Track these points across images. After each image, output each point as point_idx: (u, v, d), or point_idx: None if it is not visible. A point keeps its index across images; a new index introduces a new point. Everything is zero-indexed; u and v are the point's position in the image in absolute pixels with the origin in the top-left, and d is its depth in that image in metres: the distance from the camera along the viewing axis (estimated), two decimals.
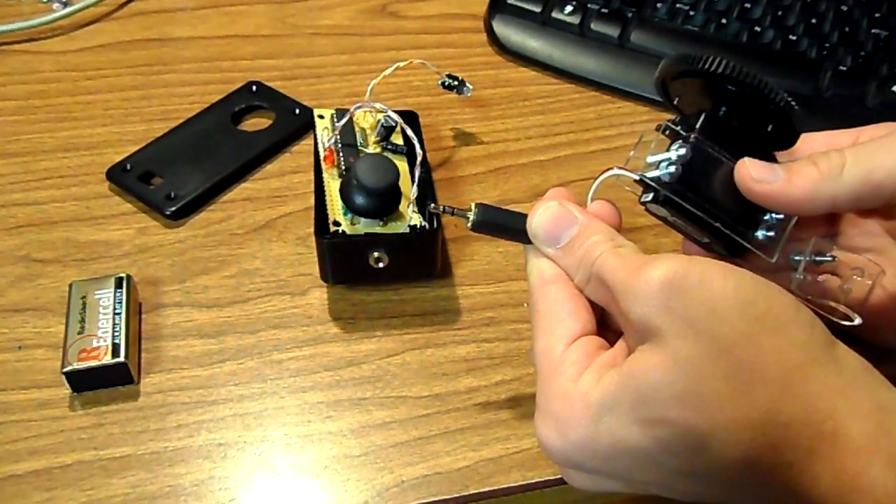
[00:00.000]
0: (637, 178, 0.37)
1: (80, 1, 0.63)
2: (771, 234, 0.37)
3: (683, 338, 0.29)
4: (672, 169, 0.36)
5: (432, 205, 0.37)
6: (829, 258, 0.37)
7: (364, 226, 0.43)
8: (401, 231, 0.43)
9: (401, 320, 0.45)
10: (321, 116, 0.49)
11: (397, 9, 0.66)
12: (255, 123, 0.56)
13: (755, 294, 0.30)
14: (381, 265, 0.43)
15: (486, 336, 0.44)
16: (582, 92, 0.59)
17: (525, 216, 0.36)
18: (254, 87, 0.57)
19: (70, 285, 0.43)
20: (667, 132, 0.37)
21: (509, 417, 0.41)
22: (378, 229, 0.43)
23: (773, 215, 0.37)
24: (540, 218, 0.35)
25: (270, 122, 0.55)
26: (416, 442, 0.40)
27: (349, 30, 0.64)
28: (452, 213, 0.37)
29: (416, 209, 0.43)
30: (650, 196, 0.37)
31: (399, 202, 0.43)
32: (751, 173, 0.36)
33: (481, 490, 0.38)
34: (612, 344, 0.33)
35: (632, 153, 0.38)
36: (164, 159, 0.52)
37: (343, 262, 0.44)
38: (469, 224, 0.36)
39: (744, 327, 0.29)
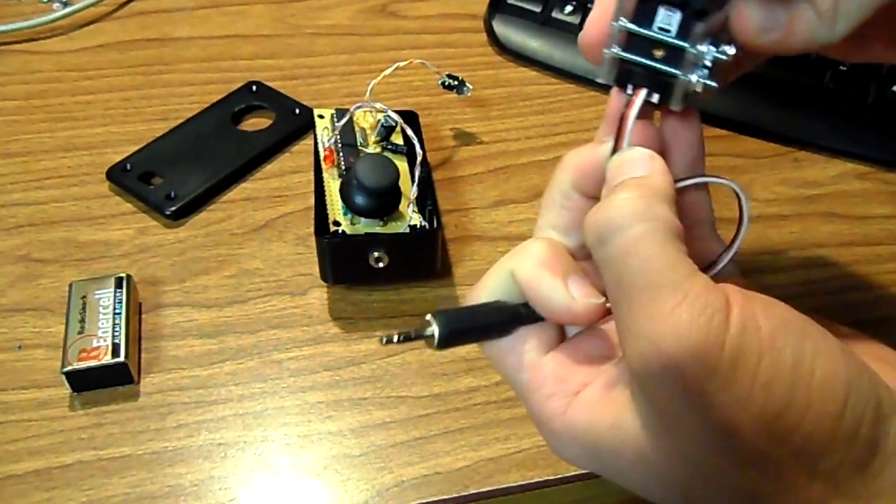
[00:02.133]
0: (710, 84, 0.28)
1: (80, 1, 0.63)
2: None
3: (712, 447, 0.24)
4: (732, 51, 0.28)
5: (384, 338, 0.29)
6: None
7: (364, 226, 0.43)
8: (401, 231, 0.43)
9: (401, 320, 0.45)
10: (321, 116, 0.49)
11: (397, 9, 0.66)
12: (255, 123, 0.56)
13: (850, 391, 0.24)
14: (381, 265, 0.43)
15: None
16: (582, 92, 0.59)
17: (496, 305, 0.29)
18: (254, 87, 0.57)
19: (70, 285, 0.43)
20: None
21: (509, 417, 0.41)
22: (378, 229, 0.43)
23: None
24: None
25: (270, 122, 0.55)
26: (416, 442, 0.40)
27: (349, 30, 0.64)
28: (412, 339, 0.28)
29: (416, 209, 0.43)
30: (678, 94, 0.28)
31: (399, 202, 0.43)
32: (755, 22, 0.28)
33: (481, 490, 0.38)
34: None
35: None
36: (164, 159, 0.52)
37: (343, 262, 0.44)
38: (435, 343, 0.28)
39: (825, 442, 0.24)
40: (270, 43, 0.62)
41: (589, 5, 0.60)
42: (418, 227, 0.43)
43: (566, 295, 0.28)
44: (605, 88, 0.60)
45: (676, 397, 0.24)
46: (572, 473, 0.39)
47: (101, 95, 0.57)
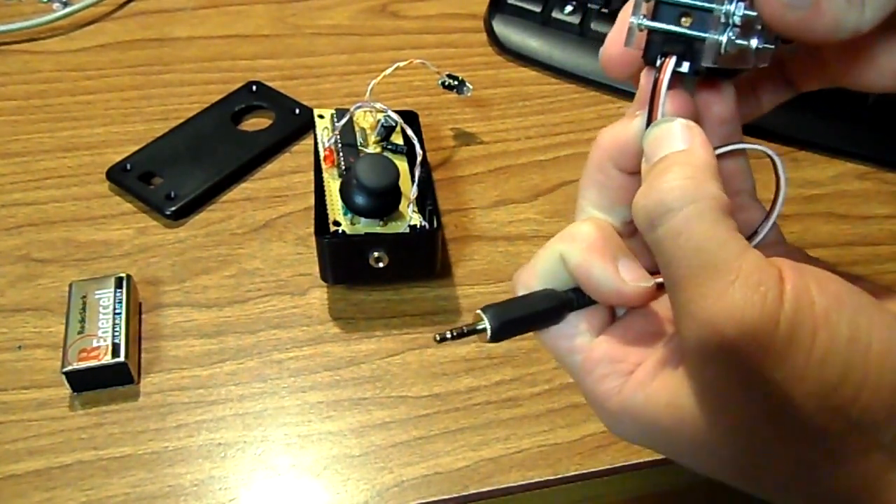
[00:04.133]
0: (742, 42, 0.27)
1: (80, 1, 0.63)
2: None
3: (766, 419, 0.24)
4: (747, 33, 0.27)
5: (437, 336, 0.29)
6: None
7: (364, 226, 0.43)
8: (401, 231, 0.43)
9: (401, 320, 0.45)
10: (321, 116, 0.49)
11: (397, 9, 0.66)
12: (255, 123, 0.56)
13: None
14: (381, 265, 0.43)
15: None
16: (582, 92, 0.59)
17: (544, 293, 0.29)
18: (254, 87, 0.57)
19: (70, 285, 0.43)
20: None
21: (509, 417, 0.41)
22: (378, 229, 0.43)
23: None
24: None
25: (270, 122, 0.55)
26: (416, 442, 0.40)
27: (349, 30, 0.64)
28: (465, 335, 0.29)
29: (416, 209, 0.43)
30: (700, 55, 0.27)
31: (399, 202, 0.43)
32: None
33: (481, 490, 0.38)
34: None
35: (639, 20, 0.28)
36: (164, 159, 0.52)
37: (343, 262, 0.44)
38: (488, 336, 0.29)
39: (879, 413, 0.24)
40: (270, 43, 0.62)
41: (589, 5, 0.60)
42: (418, 227, 0.43)
43: (617, 279, 0.28)
44: (606, 89, 0.60)
45: (732, 375, 0.24)
46: (572, 473, 0.39)
47: (101, 95, 0.57)
